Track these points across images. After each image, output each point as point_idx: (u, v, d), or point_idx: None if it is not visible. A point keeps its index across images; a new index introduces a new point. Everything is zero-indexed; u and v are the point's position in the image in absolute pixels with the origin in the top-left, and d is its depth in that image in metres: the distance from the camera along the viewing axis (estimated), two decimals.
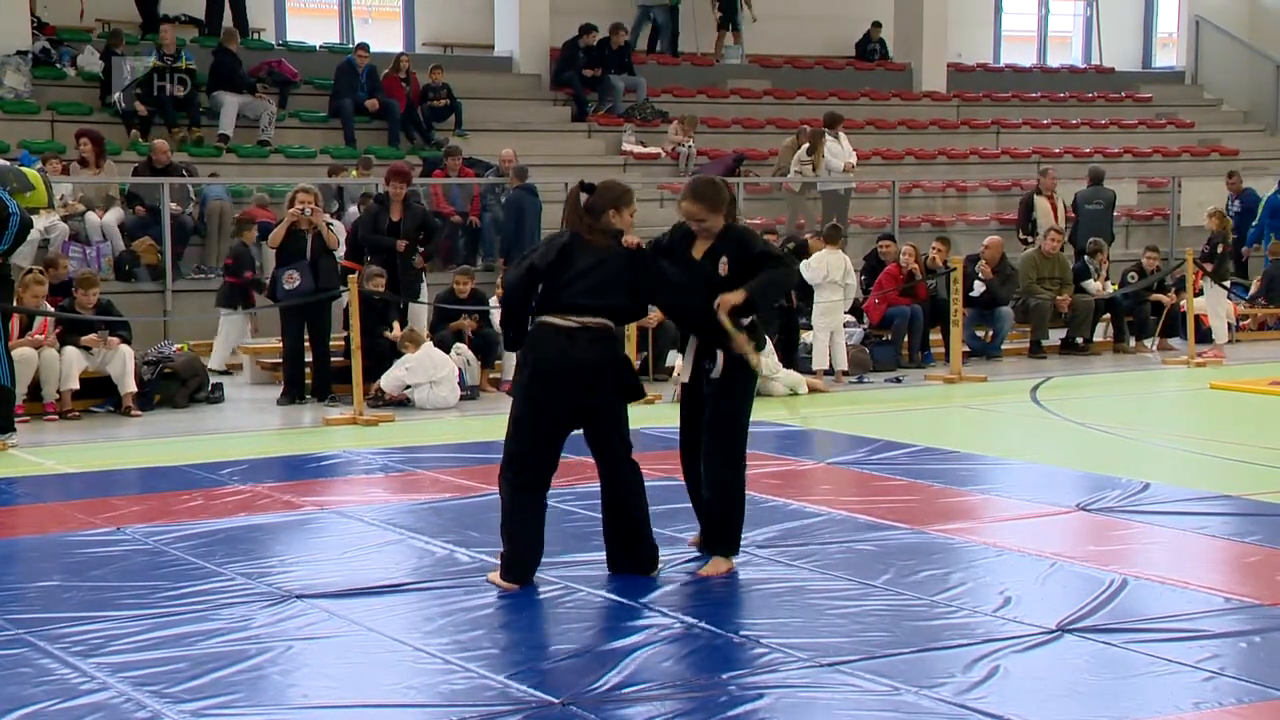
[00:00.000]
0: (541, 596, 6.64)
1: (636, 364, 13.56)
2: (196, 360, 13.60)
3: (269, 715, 5.19)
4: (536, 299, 6.85)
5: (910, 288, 15.78)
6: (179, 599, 6.59)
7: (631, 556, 6.93)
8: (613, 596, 6.63)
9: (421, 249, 13.84)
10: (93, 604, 6.51)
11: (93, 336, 12.52)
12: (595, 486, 7.10)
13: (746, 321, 6.90)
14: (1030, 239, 18.47)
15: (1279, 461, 10.02)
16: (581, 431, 6.96)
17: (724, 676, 5.52)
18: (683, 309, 7.13)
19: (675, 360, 13.58)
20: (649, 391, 13.43)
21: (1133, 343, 17.26)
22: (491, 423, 12.21)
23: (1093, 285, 17.19)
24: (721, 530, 7.05)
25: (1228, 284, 17.67)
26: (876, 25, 26.02)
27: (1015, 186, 21.91)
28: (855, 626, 6.11)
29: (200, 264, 16.48)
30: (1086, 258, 17.62)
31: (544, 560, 7.02)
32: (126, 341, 12.71)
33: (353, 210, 16.36)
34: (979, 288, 16.23)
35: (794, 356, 14.50)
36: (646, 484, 7.09)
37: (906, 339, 15.79)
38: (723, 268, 6.90)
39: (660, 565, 6.97)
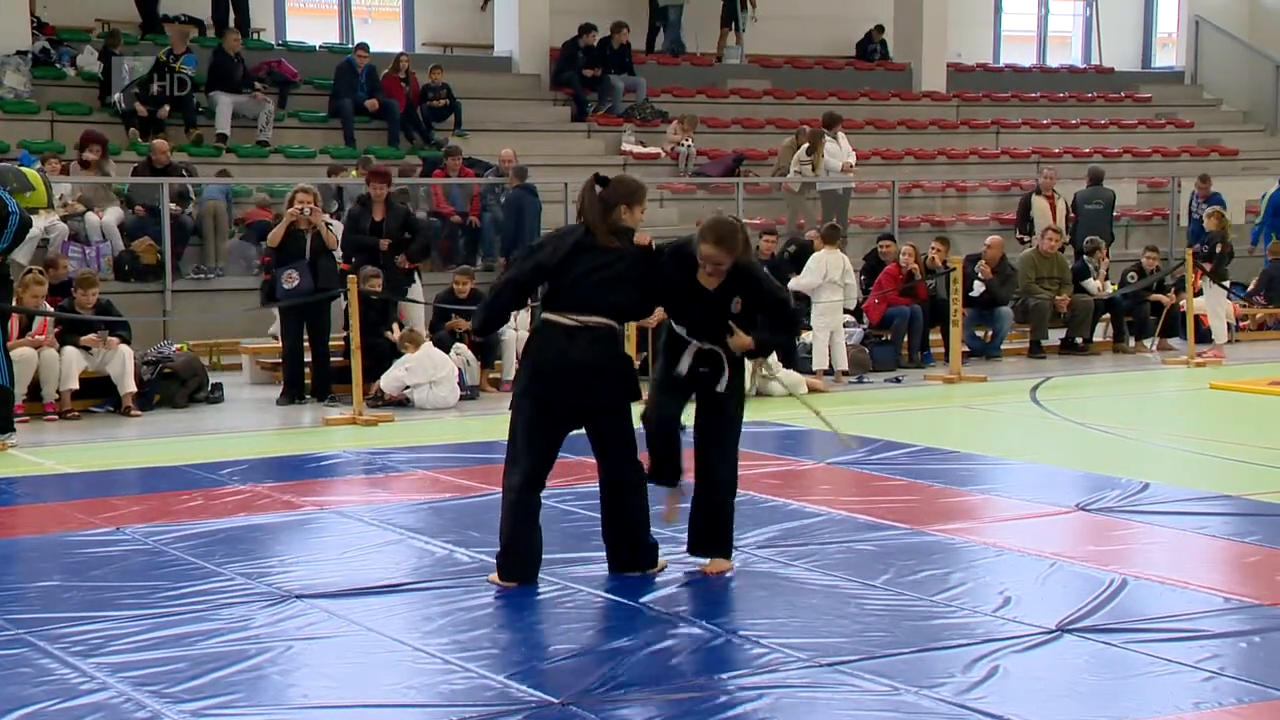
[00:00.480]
0: (541, 596, 6.64)
1: (636, 363, 13.57)
2: (196, 360, 13.60)
3: (269, 715, 5.19)
4: (542, 294, 6.85)
5: (910, 288, 15.78)
6: (179, 599, 6.59)
7: (632, 556, 6.93)
8: (613, 596, 6.63)
9: (405, 249, 13.79)
10: (92, 604, 6.51)
11: (92, 336, 12.52)
12: (595, 486, 7.10)
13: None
14: (1028, 239, 18.47)
15: (1279, 461, 10.02)
16: (584, 431, 6.95)
17: (724, 676, 5.52)
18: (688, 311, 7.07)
19: None
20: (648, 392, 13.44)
21: (1132, 343, 17.26)
22: (491, 423, 12.22)
23: (1092, 285, 17.19)
24: (721, 531, 7.06)
25: (1227, 284, 17.67)
26: (879, 28, 26.00)
27: (1015, 186, 21.91)
28: (855, 626, 6.11)
29: (199, 264, 16.47)
30: (1085, 257, 17.63)
31: (544, 560, 7.02)
32: (126, 341, 12.71)
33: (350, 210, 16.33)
34: (978, 288, 16.23)
35: (793, 356, 14.49)
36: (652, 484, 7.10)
37: (906, 339, 15.80)
38: (736, 305, 6.92)
39: (661, 564, 6.97)
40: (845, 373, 14.64)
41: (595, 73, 22.36)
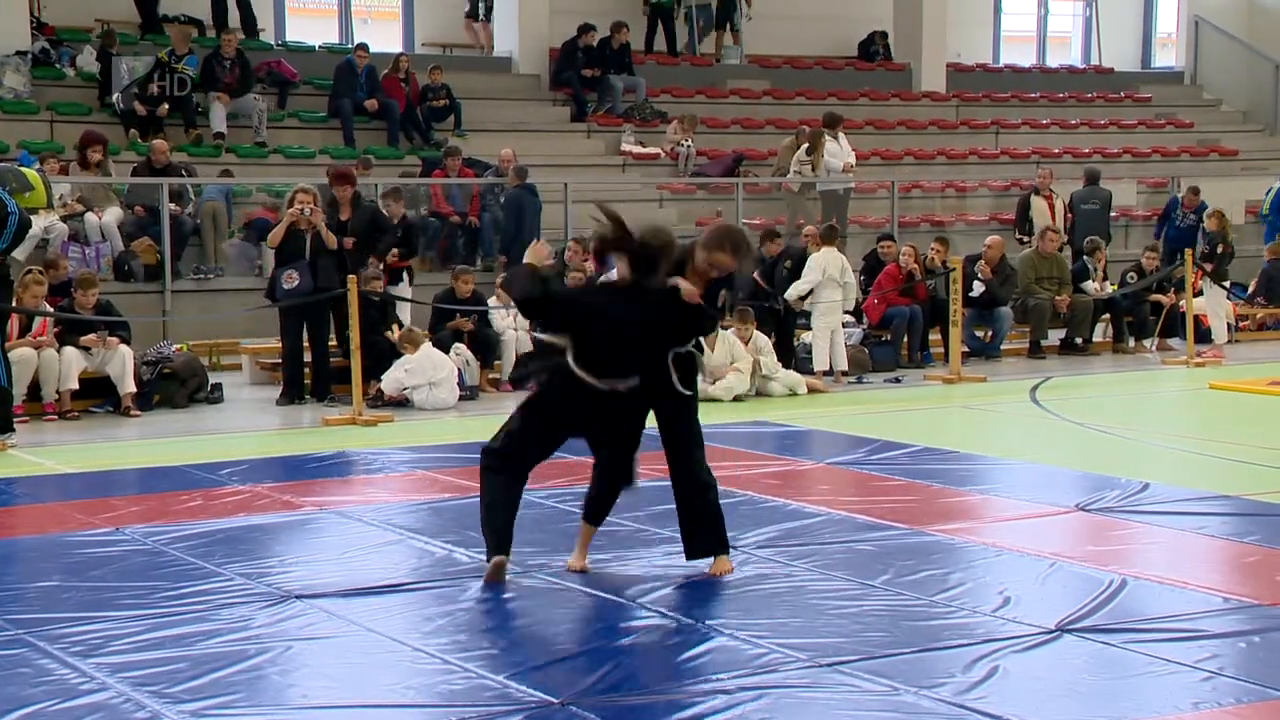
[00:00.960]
0: (540, 596, 6.64)
1: None
2: (196, 360, 13.60)
3: (268, 715, 5.19)
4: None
5: (909, 288, 15.79)
6: (178, 599, 6.59)
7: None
8: (612, 596, 6.63)
9: (374, 249, 13.76)
10: (92, 604, 6.50)
11: (92, 337, 12.52)
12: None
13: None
14: (1027, 238, 18.47)
15: (1278, 461, 10.02)
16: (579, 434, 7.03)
17: (723, 676, 5.52)
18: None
19: None
20: None
21: (1132, 343, 17.26)
22: (490, 423, 12.16)
23: (1091, 285, 17.20)
24: (717, 530, 7.08)
25: (1227, 284, 17.66)
26: (882, 35, 25.99)
27: (1014, 186, 21.91)
28: (855, 626, 6.11)
29: (199, 265, 16.47)
30: (1085, 257, 17.63)
31: (543, 560, 7.04)
32: (126, 342, 12.71)
33: None
34: (978, 288, 16.23)
35: (791, 357, 14.50)
36: (644, 485, 7.10)
37: (906, 339, 15.80)
38: (723, 299, 7.10)
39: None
40: (845, 373, 14.64)
41: (595, 73, 22.36)
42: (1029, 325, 16.88)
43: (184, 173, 16.92)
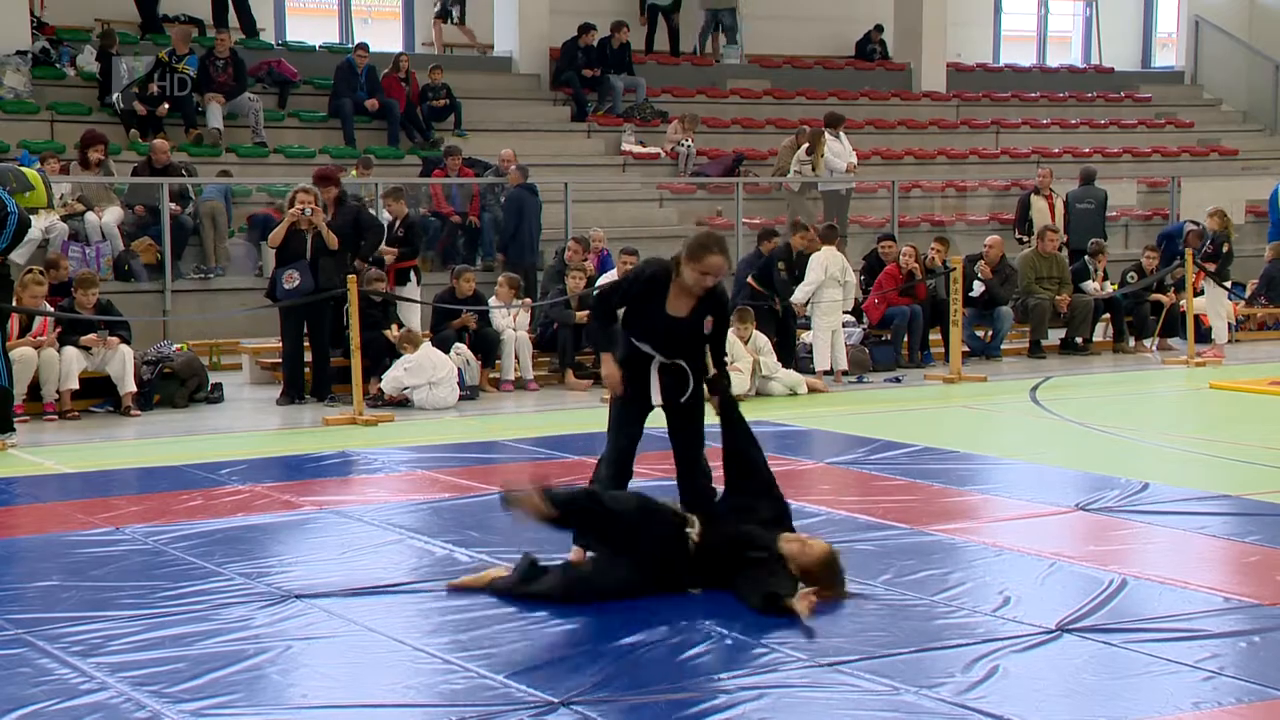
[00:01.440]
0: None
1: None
2: (196, 360, 13.59)
3: (268, 715, 5.19)
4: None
5: (910, 288, 15.79)
6: (178, 599, 6.59)
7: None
8: None
9: (357, 249, 13.76)
10: (92, 604, 6.50)
11: (92, 336, 12.52)
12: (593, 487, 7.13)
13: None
14: (1027, 238, 18.47)
15: (1278, 461, 10.02)
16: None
17: (723, 676, 5.52)
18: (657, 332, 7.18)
19: None
20: None
21: (1132, 342, 17.27)
22: (490, 423, 12.24)
23: (1091, 285, 17.20)
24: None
25: (1228, 284, 17.66)
26: (878, 28, 26.01)
27: (1015, 186, 21.91)
28: (855, 626, 6.11)
29: (199, 264, 16.48)
30: (1087, 258, 17.63)
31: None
32: (126, 341, 12.71)
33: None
34: (978, 287, 16.24)
35: (791, 356, 14.50)
36: (645, 484, 7.11)
37: (906, 339, 15.80)
38: (707, 326, 7.08)
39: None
40: (845, 372, 14.64)
41: (595, 73, 22.36)
42: (1029, 325, 16.88)
43: (184, 172, 16.93)
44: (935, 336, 16.03)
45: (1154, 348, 17.24)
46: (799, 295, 14.59)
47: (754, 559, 6.54)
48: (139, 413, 12.57)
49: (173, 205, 16.11)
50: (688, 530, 6.61)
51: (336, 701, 5.31)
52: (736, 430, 7.12)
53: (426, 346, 13.16)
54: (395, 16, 24.68)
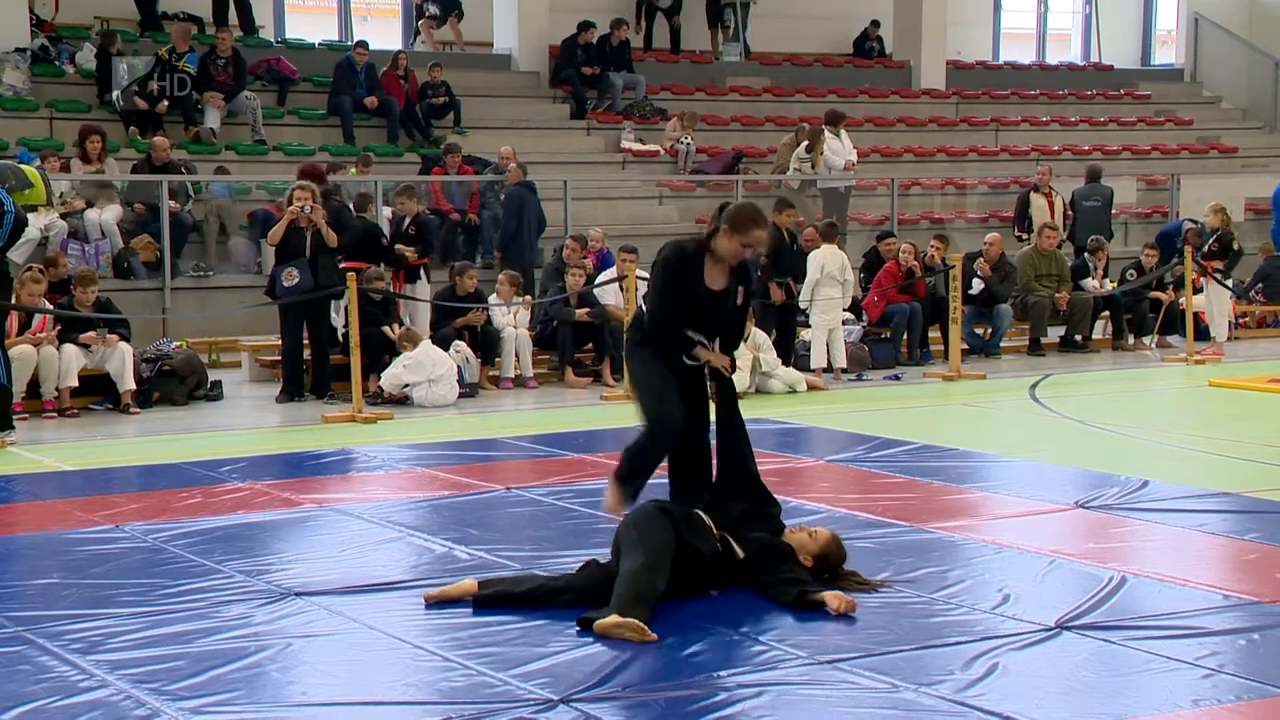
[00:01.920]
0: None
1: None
2: (195, 358, 13.59)
3: (268, 713, 5.19)
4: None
5: (909, 285, 15.79)
6: (178, 596, 6.59)
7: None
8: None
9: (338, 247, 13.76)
10: (92, 601, 6.50)
11: (92, 334, 12.52)
12: (593, 484, 7.11)
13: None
14: (1026, 236, 18.48)
15: (1278, 459, 10.02)
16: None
17: (723, 674, 5.52)
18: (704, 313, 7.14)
19: None
20: None
21: (1131, 340, 17.27)
22: (490, 420, 12.24)
23: (1090, 283, 17.20)
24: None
25: (1229, 282, 17.65)
26: (875, 24, 26.02)
27: (1014, 184, 21.92)
28: (854, 624, 6.11)
29: (198, 263, 16.48)
30: (1087, 255, 17.63)
31: (542, 556, 7.05)
32: (125, 339, 12.71)
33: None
34: (977, 285, 16.24)
35: (791, 354, 14.50)
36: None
37: (905, 336, 15.80)
38: (739, 297, 7.03)
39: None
40: (844, 370, 14.65)
41: (594, 70, 22.36)
42: (1028, 322, 16.89)
43: (183, 170, 16.92)
44: (935, 334, 16.04)
45: (1153, 345, 17.24)
46: (805, 294, 14.58)
47: (775, 557, 6.55)
48: (138, 410, 12.57)
49: (172, 203, 16.11)
50: (729, 543, 6.59)
51: (336, 699, 5.31)
52: (734, 424, 7.08)
53: (426, 344, 13.16)
54: (395, 14, 24.69)
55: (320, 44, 22.43)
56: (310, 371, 13.26)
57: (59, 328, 12.53)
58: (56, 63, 19.53)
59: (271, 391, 13.43)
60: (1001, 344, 16.59)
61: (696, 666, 5.62)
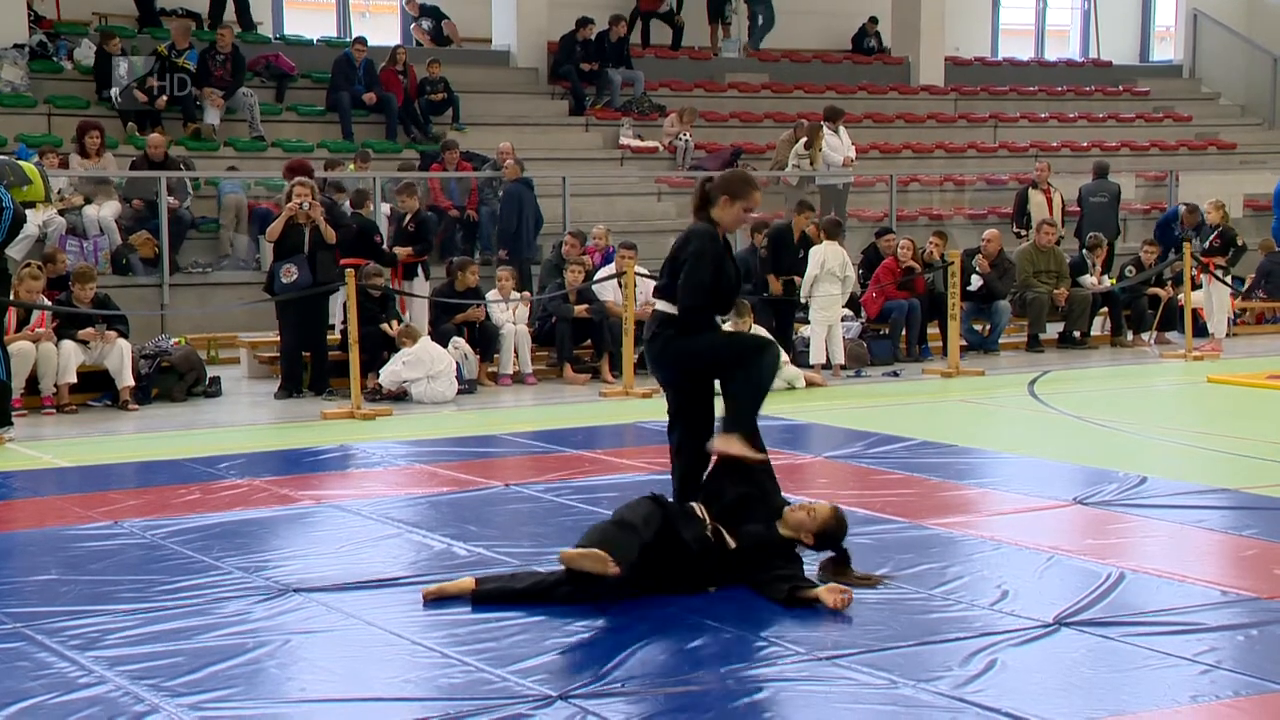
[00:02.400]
0: None
1: (635, 357, 13.58)
2: (194, 354, 13.58)
3: (266, 709, 5.19)
4: None
5: (908, 282, 15.79)
6: (176, 593, 6.59)
7: None
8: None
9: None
10: (90, 598, 6.50)
11: (90, 330, 12.51)
12: (591, 481, 7.10)
13: None
14: (1025, 232, 18.48)
15: (1276, 455, 10.02)
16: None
17: (722, 670, 5.52)
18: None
19: None
20: (646, 386, 13.47)
21: (1130, 336, 17.27)
22: (488, 417, 12.24)
23: (1088, 279, 17.20)
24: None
25: (1229, 279, 17.66)
26: (873, 20, 26.02)
27: (1013, 180, 21.92)
28: (853, 620, 6.11)
29: (196, 260, 16.48)
30: (1084, 252, 17.63)
31: (540, 552, 7.04)
32: (124, 335, 12.71)
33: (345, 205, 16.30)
34: (976, 282, 16.23)
35: (790, 350, 14.50)
36: (644, 478, 7.09)
37: (904, 333, 15.80)
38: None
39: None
40: (843, 367, 14.64)
41: (593, 66, 22.35)
42: (1027, 319, 16.89)
43: (181, 166, 16.92)
44: (933, 330, 16.04)
45: (1152, 342, 17.24)
46: (805, 289, 14.58)
47: (767, 553, 6.55)
48: (137, 407, 12.57)
49: (171, 199, 16.11)
50: (723, 535, 6.59)
51: (335, 695, 5.31)
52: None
53: (425, 340, 13.16)
54: (393, 10, 24.67)
55: (319, 40, 22.42)
56: (309, 368, 13.25)
57: (57, 324, 12.52)
58: (55, 59, 19.51)
59: (270, 388, 13.43)
60: (1000, 340, 16.60)
61: (695, 662, 5.62)
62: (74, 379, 12.46)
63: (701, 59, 24.74)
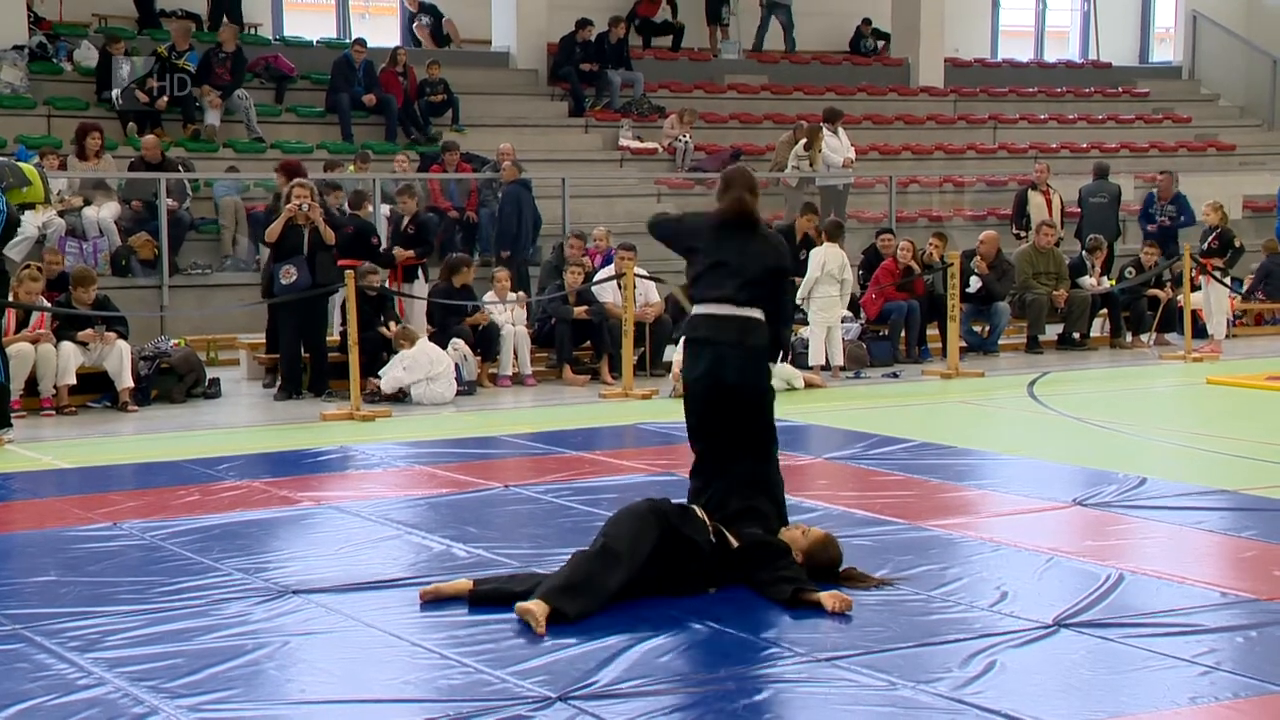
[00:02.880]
0: None
1: (634, 359, 13.58)
2: (193, 355, 13.58)
3: (266, 710, 5.18)
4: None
5: (907, 283, 15.79)
6: (176, 594, 6.59)
7: None
8: None
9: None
10: (90, 599, 6.50)
11: (89, 332, 12.51)
12: (591, 482, 7.09)
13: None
14: (1024, 234, 18.48)
15: (1276, 456, 10.02)
16: None
17: (721, 672, 5.52)
18: None
19: (672, 355, 13.59)
20: (645, 387, 13.47)
21: (1129, 338, 17.27)
22: (488, 418, 12.23)
23: (1087, 281, 17.20)
24: None
25: (1228, 280, 17.66)
26: (866, 21, 26.01)
27: (1012, 182, 21.92)
28: (852, 621, 6.10)
29: (196, 261, 16.47)
30: (1084, 253, 17.63)
31: (540, 554, 7.04)
32: (123, 337, 12.71)
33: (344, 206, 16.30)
34: (975, 283, 16.23)
35: (789, 351, 14.48)
36: (644, 479, 7.08)
37: (904, 334, 15.80)
38: None
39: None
40: (842, 368, 14.64)
41: (593, 68, 22.35)
42: (1026, 320, 16.89)
43: (180, 168, 16.91)
44: (933, 332, 16.04)
45: (1151, 343, 17.24)
46: (802, 291, 14.58)
47: (770, 554, 6.55)
48: (136, 408, 12.57)
49: (170, 201, 16.11)
50: (725, 535, 6.59)
51: (334, 697, 5.31)
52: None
53: (423, 341, 13.15)
54: (393, 12, 24.66)
55: (318, 41, 22.42)
56: (309, 369, 13.25)
57: (56, 325, 12.52)
58: (54, 60, 19.51)
59: (269, 389, 13.41)
60: (999, 342, 16.59)
61: (695, 663, 5.62)
62: (73, 380, 12.45)
63: (701, 60, 24.75)
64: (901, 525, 7.87)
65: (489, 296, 14.30)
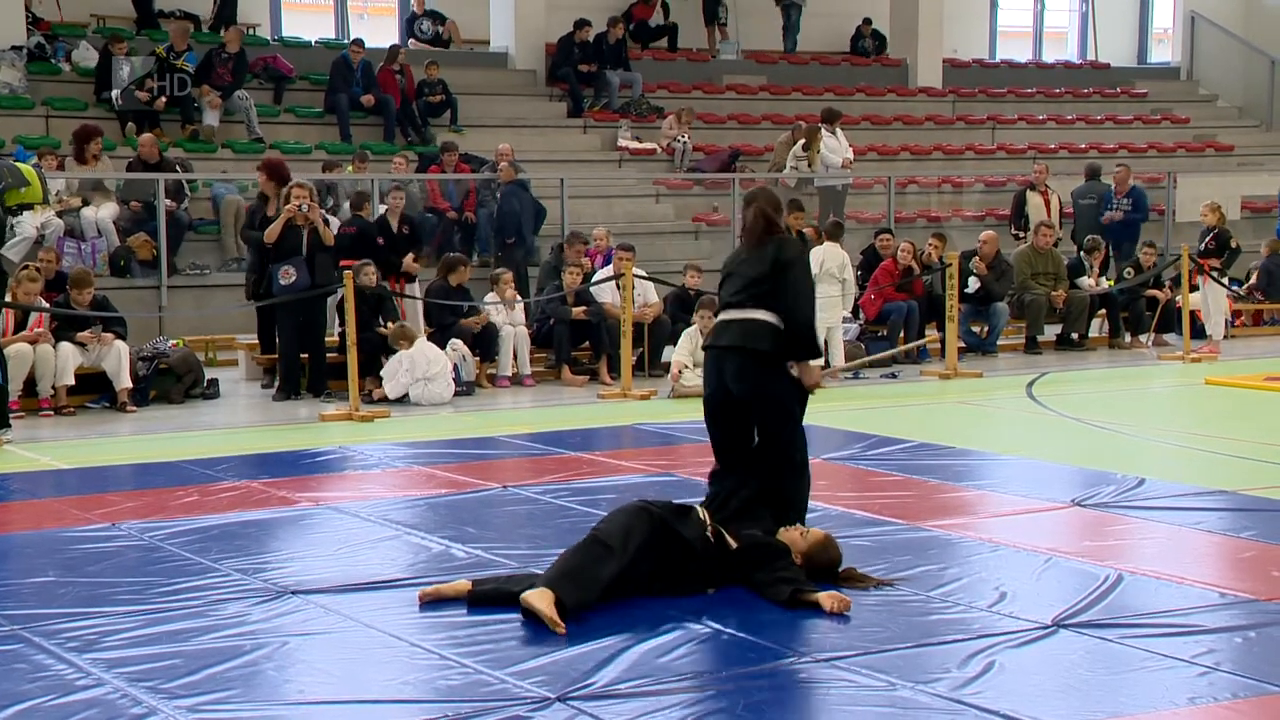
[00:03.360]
0: None
1: (633, 359, 13.58)
2: (192, 356, 13.58)
3: (264, 711, 5.18)
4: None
5: (906, 283, 15.78)
6: (174, 595, 6.59)
7: None
8: None
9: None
10: (88, 600, 6.50)
11: (88, 333, 12.50)
12: (589, 482, 7.09)
13: None
14: (1022, 234, 18.48)
15: (1275, 457, 10.02)
16: None
17: (720, 673, 5.52)
18: None
19: (670, 356, 13.59)
20: (644, 388, 13.47)
21: (1128, 338, 17.27)
22: (486, 418, 12.23)
23: (1086, 281, 17.20)
24: None
25: (1226, 280, 17.66)
26: (867, 21, 26.01)
27: (1011, 182, 21.92)
28: (851, 622, 6.11)
29: (194, 261, 16.46)
30: (1082, 254, 17.64)
31: (538, 554, 7.04)
32: (122, 337, 12.70)
33: (345, 207, 16.30)
34: (974, 283, 16.23)
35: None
36: (642, 479, 7.08)
37: (902, 334, 15.79)
38: None
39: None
40: (853, 372, 14.63)
41: (591, 68, 22.35)
42: (1025, 320, 16.89)
43: (178, 168, 16.91)
44: (932, 332, 16.03)
45: (1150, 343, 17.25)
46: None
47: (769, 554, 6.55)
48: (135, 409, 12.56)
49: (169, 201, 16.10)
50: (722, 535, 6.59)
51: (333, 697, 5.31)
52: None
53: (421, 342, 13.14)
54: (391, 12, 24.66)
55: (317, 42, 22.42)
56: (307, 370, 13.24)
57: (55, 325, 12.51)
58: (53, 61, 19.51)
59: (268, 390, 13.41)
60: (998, 342, 16.59)
61: (693, 664, 5.62)
62: (72, 381, 12.45)
63: (699, 61, 24.74)
64: (900, 526, 7.87)
65: (490, 297, 14.27)
